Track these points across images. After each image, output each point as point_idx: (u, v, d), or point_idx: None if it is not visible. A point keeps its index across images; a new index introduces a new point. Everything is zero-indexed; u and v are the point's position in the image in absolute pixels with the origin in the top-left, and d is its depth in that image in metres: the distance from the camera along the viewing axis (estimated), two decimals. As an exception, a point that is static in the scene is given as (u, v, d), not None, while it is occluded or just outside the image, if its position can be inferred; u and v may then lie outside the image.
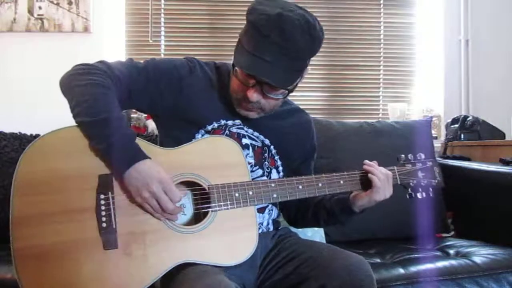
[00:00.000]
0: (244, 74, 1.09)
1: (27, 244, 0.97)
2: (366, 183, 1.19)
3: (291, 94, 1.17)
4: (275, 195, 1.14)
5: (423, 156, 1.30)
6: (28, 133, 1.88)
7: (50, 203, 0.99)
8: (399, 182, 1.25)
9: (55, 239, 0.98)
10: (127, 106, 1.18)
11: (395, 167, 1.25)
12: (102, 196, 1.01)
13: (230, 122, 1.21)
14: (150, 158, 1.03)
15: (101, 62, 1.13)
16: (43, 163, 1.01)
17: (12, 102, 2.41)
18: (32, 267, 0.96)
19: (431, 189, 1.29)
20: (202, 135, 1.18)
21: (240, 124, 1.23)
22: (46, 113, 2.04)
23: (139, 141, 1.06)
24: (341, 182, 1.19)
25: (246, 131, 1.23)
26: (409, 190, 1.26)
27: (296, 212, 1.34)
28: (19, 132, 1.89)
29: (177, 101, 1.18)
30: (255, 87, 1.09)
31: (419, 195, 1.27)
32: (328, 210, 1.25)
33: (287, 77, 1.09)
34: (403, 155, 1.29)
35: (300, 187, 1.16)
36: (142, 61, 1.19)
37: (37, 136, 1.86)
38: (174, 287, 0.99)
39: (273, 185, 1.14)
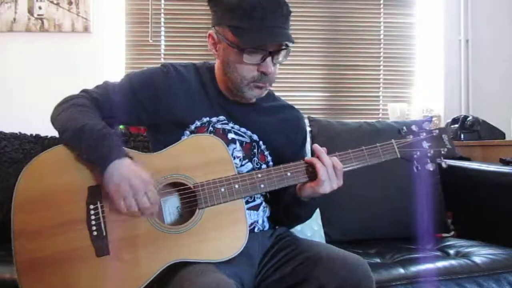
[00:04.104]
0: (256, 52, 1.11)
1: (28, 257, 1.02)
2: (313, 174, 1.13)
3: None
4: (262, 186, 1.12)
5: (431, 125, 1.20)
6: (28, 133, 1.88)
7: (47, 218, 1.04)
8: (399, 156, 1.17)
9: (53, 250, 1.03)
10: (114, 123, 1.22)
11: (393, 140, 1.18)
12: (91, 207, 1.05)
13: (214, 119, 1.22)
14: (125, 155, 1.05)
15: (82, 90, 1.22)
16: (39, 180, 1.07)
17: (12, 102, 2.41)
18: (33, 278, 1.01)
19: (442, 158, 1.19)
20: (188, 136, 1.19)
21: (224, 120, 1.23)
22: (46, 113, 2.02)
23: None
24: (288, 174, 1.13)
25: (232, 127, 1.23)
26: (415, 162, 1.18)
27: (275, 209, 1.30)
28: (19, 132, 1.89)
29: (157, 108, 1.20)
30: (268, 59, 1.13)
31: (429, 167, 1.18)
32: (286, 203, 1.23)
33: (290, 33, 1.14)
34: (405, 127, 1.20)
35: (289, 174, 1.13)
36: (118, 80, 1.25)
37: (37, 136, 1.87)
38: (173, 286, 0.99)
39: (259, 175, 1.12)
